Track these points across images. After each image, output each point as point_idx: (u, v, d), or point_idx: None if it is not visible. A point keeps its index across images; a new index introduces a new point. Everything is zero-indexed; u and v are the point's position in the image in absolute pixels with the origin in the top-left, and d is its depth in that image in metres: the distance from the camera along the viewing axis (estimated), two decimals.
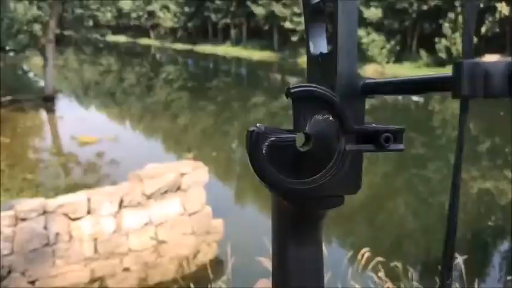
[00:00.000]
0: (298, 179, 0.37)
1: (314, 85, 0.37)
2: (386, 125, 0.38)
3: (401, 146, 0.37)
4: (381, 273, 2.86)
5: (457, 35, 23.09)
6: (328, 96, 0.37)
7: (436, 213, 6.93)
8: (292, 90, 0.36)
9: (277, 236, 0.41)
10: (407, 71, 24.36)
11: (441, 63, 24.02)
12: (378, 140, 0.37)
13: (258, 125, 0.37)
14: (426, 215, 6.82)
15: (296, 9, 27.83)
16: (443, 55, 23.72)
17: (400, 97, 19.02)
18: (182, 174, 4.85)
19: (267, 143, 0.37)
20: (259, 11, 30.67)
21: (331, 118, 0.37)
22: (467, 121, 0.31)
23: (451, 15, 23.39)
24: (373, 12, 25.50)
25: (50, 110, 12.36)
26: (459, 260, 2.77)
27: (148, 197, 4.64)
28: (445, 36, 23.68)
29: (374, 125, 0.38)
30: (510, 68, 0.26)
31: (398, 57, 25.83)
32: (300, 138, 0.38)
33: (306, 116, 0.38)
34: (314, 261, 0.40)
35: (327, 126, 0.37)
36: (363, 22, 26.04)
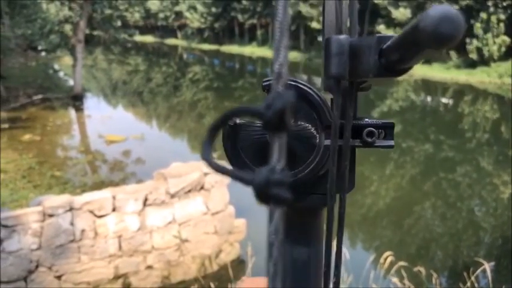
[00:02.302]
0: None
1: (290, 78, 0.35)
2: (375, 119, 0.36)
3: (390, 143, 0.35)
4: (404, 278, 2.79)
5: (489, 35, 22.46)
6: (302, 89, 0.35)
7: (464, 218, 6.74)
8: (265, 83, 0.35)
9: None
10: (436, 72, 23.82)
11: (472, 65, 23.40)
12: (361, 136, 0.35)
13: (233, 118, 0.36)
14: (454, 220, 6.64)
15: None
16: (474, 56, 23.09)
17: (429, 99, 18.68)
18: (206, 174, 4.85)
19: (240, 137, 0.36)
20: None
21: (309, 112, 0.35)
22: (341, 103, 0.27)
23: (483, 15, 22.73)
24: (402, 13, 25.06)
25: (79, 109, 12.63)
26: (486, 266, 2.68)
27: (172, 196, 4.67)
28: (476, 36, 23.05)
29: (367, 120, 0.36)
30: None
31: (428, 58, 25.30)
32: None
33: None
34: (306, 261, 0.38)
35: (306, 120, 0.36)
36: (391, 22, 25.62)
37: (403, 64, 0.24)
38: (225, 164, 0.24)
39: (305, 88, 0.36)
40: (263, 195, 0.18)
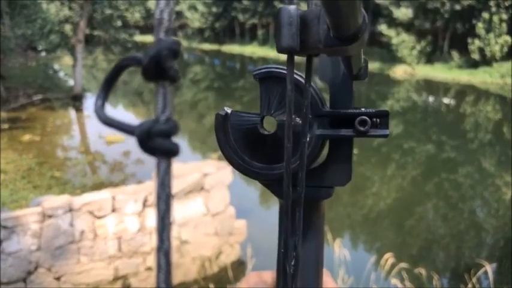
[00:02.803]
0: (268, 163, 0.35)
1: (281, 67, 0.35)
2: (369, 108, 0.35)
3: (385, 132, 0.34)
4: (405, 279, 2.77)
5: (491, 35, 22.43)
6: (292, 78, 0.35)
7: (466, 219, 6.71)
8: (256, 72, 0.35)
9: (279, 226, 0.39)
10: (438, 72, 23.79)
11: (474, 65, 23.38)
12: (353, 124, 0.34)
13: (225, 108, 0.36)
14: (455, 221, 6.61)
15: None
16: (476, 56, 23.06)
17: (430, 99, 18.74)
18: (205, 175, 4.83)
19: (232, 126, 0.35)
20: None
21: (300, 100, 0.34)
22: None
23: (485, 15, 22.69)
24: (403, 12, 25.03)
25: (79, 109, 12.63)
26: (487, 268, 2.66)
27: (172, 197, 4.64)
28: (478, 36, 23.01)
29: (363, 109, 0.35)
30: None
31: (429, 58, 25.27)
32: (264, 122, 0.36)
33: (273, 99, 0.36)
34: (308, 253, 0.37)
35: (296, 109, 0.34)
36: (393, 22, 25.59)
37: (349, 29, 0.22)
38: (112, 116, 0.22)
39: (295, 76, 0.35)
40: (146, 146, 0.18)
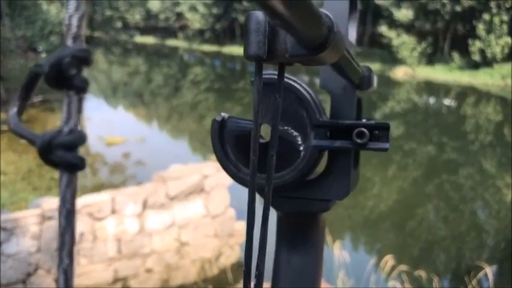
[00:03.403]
0: (264, 173, 0.32)
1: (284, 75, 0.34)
2: (370, 120, 0.34)
3: (384, 145, 0.32)
4: (404, 281, 2.77)
5: (492, 37, 22.42)
6: (291, 85, 0.34)
7: (467, 221, 6.70)
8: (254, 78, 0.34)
9: (276, 238, 0.38)
10: (439, 74, 23.78)
11: (475, 66, 23.36)
12: (351, 136, 0.33)
13: (222, 114, 0.35)
14: (456, 222, 6.60)
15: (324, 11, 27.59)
16: (477, 58, 23.05)
17: (431, 101, 18.75)
18: (206, 176, 4.82)
19: (228, 132, 0.35)
20: None
21: (298, 109, 0.34)
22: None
23: (486, 16, 22.69)
24: (404, 14, 25.03)
25: (79, 111, 12.62)
26: (487, 270, 2.66)
27: (172, 199, 4.64)
28: (479, 38, 23.00)
29: (364, 121, 0.34)
30: None
31: (430, 59, 25.26)
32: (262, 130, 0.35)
33: (269, 106, 0.34)
34: (302, 269, 0.36)
35: (295, 118, 0.34)
36: (393, 23, 25.58)
37: (314, 39, 0.22)
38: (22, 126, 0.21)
39: (292, 83, 0.34)
40: (47, 158, 0.17)
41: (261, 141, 0.35)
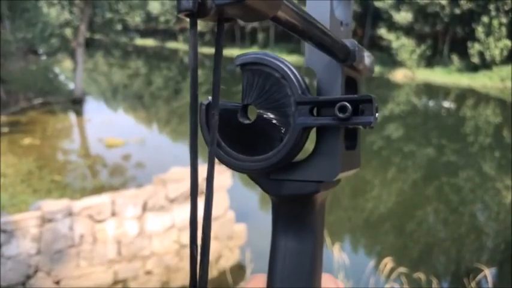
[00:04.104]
0: (250, 155, 0.33)
1: (264, 52, 0.34)
2: (354, 95, 0.33)
3: (369, 119, 0.31)
4: (404, 283, 2.77)
5: (491, 39, 22.45)
6: (273, 63, 0.33)
7: (466, 223, 6.70)
8: (237, 59, 0.34)
9: (272, 224, 0.37)
10: (438, 76, 23.80)
11: (474, 68, 23.40)
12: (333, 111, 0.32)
13: (209, 97, 0.34)
14: (455, 224, 6.60)
15: None
16: (476, 60, 23.10)
17: (430, 103, 18.73)
18: (205, 179, 4.83)
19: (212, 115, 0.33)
20: None
21: (282, 88, 0.33)
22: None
23: (485, 19, 22.74)
24: (403, 16, 25.08)
25: (79, 113, 12.64)
26: (486, 272, 2.66)
27: (172, 201, 4.64)
28: (478, 40, 23.05)
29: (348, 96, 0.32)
30: None
31: (429, 62, 25.30)
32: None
33: (255, 86, 0.34)
34: (299, 255, 0.35)
35: (278, 97, 0.33)
36: (393, 26, 25.62)
37: None
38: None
39: (274, 61, 0.33)
40: None
41: (245, 122, 0.34)
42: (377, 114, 0.33)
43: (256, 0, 0.20)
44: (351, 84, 0.38)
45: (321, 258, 0.36)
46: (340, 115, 0.31)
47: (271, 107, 0.33)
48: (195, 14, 0.22)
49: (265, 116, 0.33)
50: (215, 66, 0.24)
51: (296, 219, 0.36)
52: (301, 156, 0.35)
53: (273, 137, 0.33)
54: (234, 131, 0.34)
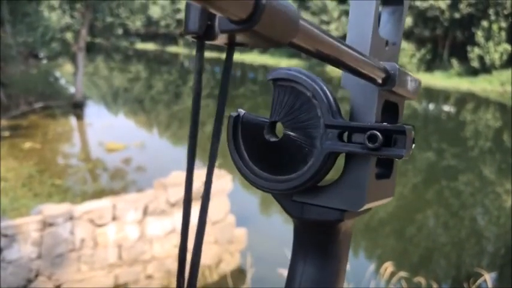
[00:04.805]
0: (274, 175, 0.32)
1: (298, 69, 0.33)
2: (389, 124, 0.31)
3: (400, 152, 0.29)
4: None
5: (491, 43, 22.50)
6: (305, 81, 0.32)
7: (466, 227, 6.70)
8: (270, 74, 0.33)
9: (293, 247, 0.36)
10: (438, 80, 23.85)
11: (474, 72, 23.44)
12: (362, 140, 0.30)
13: (239, 110, 0.34)
14: (456, 229, 6.60)
15: (324, 18, 27.70)
16: (476, 64, 23.15)
17: (430, 107, 18.76)
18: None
19: (242, 129, 0.33)
20: None
21: (312, 108, 0.31)
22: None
23: (484, 23, 22.80)
24: None
25: (80, 117, 12.65)
26: (486, 277, 2.66)
27: (173, 205, 4.65)
28: (477, 44, 23.11)
29: (384, 124, 0.31)
30: None
31: (429, 66, 25.35)
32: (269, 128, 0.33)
33: (284, 104, 0.33)
34: (316, 282, 0.33)
35: (307, 117, 0.32)
36: None
37: (238, 11, 0.20)
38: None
39: (306, 79, 0.32)
40: None
41: (271, 140, 0.33)
42: (413, 145, 0.31)
43: (266, 28, 0.19)
44: (391, 109, 0.36)
45: (341, 283, 0.35)
46: (370, 145, 0.29)
47: (299, 127, 0.32)
48: (202, 37, 0.22)
49: (292, 135, 0.32)
50: (221, 93, 0.24)
51: (317, 246, 0.34)
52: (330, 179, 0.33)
53: (298, 158, 0.32)
54: (259, 147, 0.33)
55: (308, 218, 0.33)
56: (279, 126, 0.33)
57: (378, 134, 0.29)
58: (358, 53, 0.27)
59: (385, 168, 0.36)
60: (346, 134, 0.31)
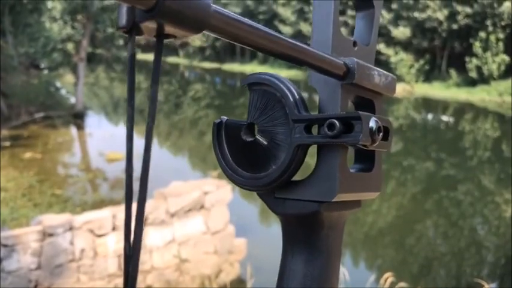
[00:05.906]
0: (254, 172, 0.34)
1: (268, 73, 0.35)
2: (348, 112, 0.33)
3: (358, 136, 0.30)
4: None
5: (488, 54, 22.63)
6: (274, 83, 0.34)
7: (466, 237, 6.69)
8: (244, 80, 0.35)
9: (282, 245, 0.37)
10: (437, 90, 23.94)
11: (472, 83, 23.55)
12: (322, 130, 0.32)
13: (221, 117, 0.36)
14: (455, 238, 6.59)
15: None
16: (474, 75, 23.26)
17: (429, 117, 18.77)
18: (206, 193, 4.84)
19: (225, 134, 0.35)
20: (286, 30, 30.92)
21: (281, 107, 0.34)
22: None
23: (482, 34, 22.96)
24: (401, 31, 25.31)
25: (80, 127, 12.67)
26: (486, 287, 2.65)
27: (172, 215, 4.65)
28: (475, 55, 23.24)
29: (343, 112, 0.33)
30: None
31: (428, 76, 25.45)
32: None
33: (259, 105, 0.35)
34: (303, 278, 0.34)
35: (277, 115, 0.34)
36: (391, 41, 25.82)
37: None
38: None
39: (271, 78, 0.34)
40: None
41: (249, 139, 0.35)
42: (391, 138, 0.33)
43: (175, 14, 0.21)
44: (366, 105, 0.37)
45: (332, 283, 0.35)
46: (329, 133, 0.31)
47: (272, 125, 0.34)
48: (129, 31, 0.23)
49: (266, 134, 0.34)
50: (152, 82, 0.26)
51: (302, 241, 0.35)
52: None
53: (274, 154, 0.34)
54: (239, 148, 0.35)
55: (290, 213, 0.34)
56: (256, 127, 0.35)
57: (336, 122, 0.31)
58: (307, 48, 0.29)
59: (367, 162, 0.37)
60: (316, 128, 0.33)
